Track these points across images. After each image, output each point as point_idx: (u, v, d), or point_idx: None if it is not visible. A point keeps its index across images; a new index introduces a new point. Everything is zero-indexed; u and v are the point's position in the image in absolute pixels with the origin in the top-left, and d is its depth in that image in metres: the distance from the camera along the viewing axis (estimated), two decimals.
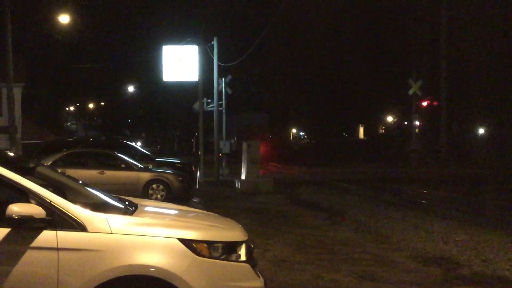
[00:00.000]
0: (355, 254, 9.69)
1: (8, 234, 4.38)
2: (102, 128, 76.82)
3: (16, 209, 4.31)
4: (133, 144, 27.25)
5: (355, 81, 63.38)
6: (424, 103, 40.93)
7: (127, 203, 5.44)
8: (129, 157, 18.49)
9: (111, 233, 4.49)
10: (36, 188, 4.54)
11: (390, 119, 73.92)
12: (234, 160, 32.81)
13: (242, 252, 4.84)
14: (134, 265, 4.44)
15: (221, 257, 4.69)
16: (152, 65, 45.08)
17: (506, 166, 34.55)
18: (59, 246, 4.39)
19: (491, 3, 45.38)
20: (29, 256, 4.38)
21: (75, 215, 4.49)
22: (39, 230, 4.39)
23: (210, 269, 4.59)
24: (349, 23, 58.75)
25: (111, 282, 4.40)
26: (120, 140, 32.45)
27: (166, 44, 30.22)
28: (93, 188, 5.62)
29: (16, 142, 22.99)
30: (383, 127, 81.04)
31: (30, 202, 4.45)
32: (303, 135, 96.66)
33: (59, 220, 4.45)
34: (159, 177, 17.43)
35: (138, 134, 76.87)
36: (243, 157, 22.04)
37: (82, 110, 75.32)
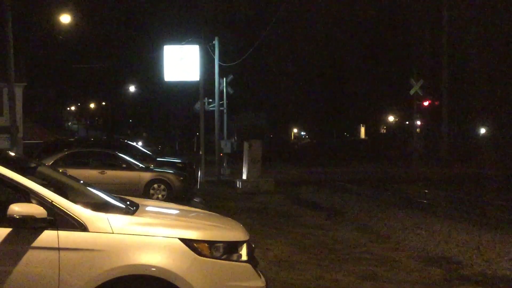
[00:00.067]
0: (356, 254, 9.69)
1: (9, 234, 4.38)
2: (103, 128, 76.83)
3: (17, 209, 4.31)
4: (134, 144, 27.25)
5: (356, 81, 63.39)
6: (425, 103, 40.89)
7: (128, 203, 5.44)
8: (130, 156, 18.49)
9: (112, 233, 4.49)
10: (37, 188, 4.54)
11: (391, 119, 73.90)
12: (233, 159, 32.81)
13: (244, 252, 4.84)
14: (136, 265, 4.44)
15: (223, 257, 4.69)
16: (153, 65, 45.12)
17: (507, 166, 34.52)
18: (60, 246, 4.39)
19: (492, 2, 45.36)
20: (30, 256, 4.38)
21: (76, 215, 4.49)
22: (40, 230, 4.39)
23: (211, 269, 4.59)
24: (350, 22, 58.79)
25: (112, 282, 4.40)
26: (121, 140, 32.43)
27: (167, 44, 30.21)
28: (94, 188, 5.63)
29: (17, 142, 23.00)
30: (384, 127, 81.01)
31: (31, 202, 4.45)
32: (304, 135, 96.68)
33: (60, 220, 4.45)
34: (160, 177, 17.43)
35: (139, 133, 76.89)
36: (244, 157, 22.03)
37: (83, 110, 75.34)
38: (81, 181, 5.84)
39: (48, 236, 4.40)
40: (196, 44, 28.27)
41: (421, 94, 39.10)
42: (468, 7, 45.83)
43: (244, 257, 4.83)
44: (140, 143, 44.13)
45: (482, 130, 55.51)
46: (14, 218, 4.30)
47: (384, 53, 60.02)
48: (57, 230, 4.42)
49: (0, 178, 4.55)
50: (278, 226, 12.73)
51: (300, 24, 60.01)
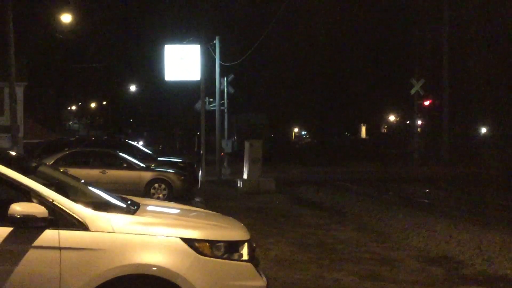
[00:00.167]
0: (357, 254, 9.68)
1: (11, 234, 4.39)
2: (104, 127, 76.84)
3: (19, 208, 4.31)
4: (134, 143, 27.26)
5: (357, 80, 63.35)
6: (426, 103, 40.89)
7: (129, 202, 5.44)
8: (131, 156, 18.50)
9: (113, 232, 4.49)
10: (38, 188, 4.54)
11: (392, 118, 73.90)
12: (233, 159, 32.80)
13: (245, 251, 4.84)
14: (137, 264, 4.44)
15: (224, 257, 4.69)
16: (154, 64, 45.17)
17: (508, 165, 34.50)
18: (61, 246, 4.39)
19: (493, 2, 45.34)
20: (31, 255, 4.38)
21: (77, 214, 4.49)
22: (41, 230, 4.40)
23: (212, 268, 4.59)
24: (351, 22, 58.73)
25: (113, 281, 4.40)
26: (122, 139, 32.45)
27: (168, 43, 30.21)
28: (95, 187, 5.63)
29: (18, 142, 23.01)
30: (385, 127, 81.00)
31: (32, 202, 4.46)
32: (305, 134, 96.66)
33: (61, 220, 4.45)
34: (161, 177, 17.43)
35: (140, 133, 76.89)
36: (245, 157, 22.02)
37: (84, 109, 75.33)
38: (82, 181, 5.84)
39: (49, 236, 4.40)
40: (197, 43, 28.26)
41: (422, 94, 39.09)
42: (469, 6, 45.82)
43: (245, 256, 4.83)
44: (140, 143, 44.15)
45: (483, 130, 55.50)
46: (15, 218, 4.30)
47: (385, 53, 60.01)
48: (58, 229, 4.43)
49: (1, 178, 4.55)
50: (278, 225, 12.73)
51: (301, 23, 60.02)
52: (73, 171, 12.64)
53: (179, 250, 4.54)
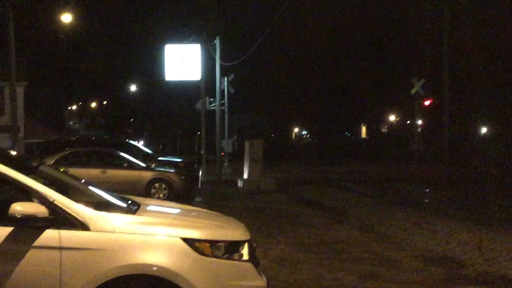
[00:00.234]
0: (358, 253, 9.69)
1: (11, 233, 4.38)
2: (104, 127, 76.83)
3: (19, 208, 4.31)
4: (135, 143, 27.26)
5: (358, 80, 63.32)
6: (427, 102, 40.90)
7: (129, 202, 5.44)
8: (132, 156, 18.50)
9: (114, 232, 4.49)
10: (38, 187, 4.54)
11: (392, 118, 73.86)
12: (233, 159, 32.81)
13: (245, 251, 4.84)
14: (137, 264, 4.44)
15: (224, 256, 4.69)
16: (155, 64, 45.14)
17: (508, 165, 34.50)
18: (62, 245, 4.39)
19: (493, 1, 45.33)
20: (32, 255, 4.38)
21: (78, 214, 4.49)
22: (42, 229, 4.39)
23: (212, 268, 4.59)
24: (351, 22, 58.71)
25: (113, 281, 4.40)
26: (122, 139, 32.45)
27: (169, 43, 30.24)
28: (95, 187, 5.63)
29: (18, 141, 23.03)
30: (386, 126, 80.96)
31: (33, 201, 4.46)
32: (305, 134, 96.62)
33: (62, 219, 4.45)
34: (161, 176, 17.44)
35: (141, 133, 76.86)
36: (245, 156, 22.04)
37: (84, 109, 75.30)
38: (83, 180, 5.84)
39: (49, 236, 4.40)
40: (198, 43, 28.29)
41: (422, 94, 39.08)
42: (470, 6, 45.80)
43: (246, 256, 4.82)
44: (141, 142, 44.14)
45: (483, 130, 55.48)
46: (16, 217, 4.30)
47: (386, 53, 60.00)
48: (59, 229, 4.42)
49: (2, 177, 4.55)
50: (279, 225, 12.73)
51: (301, 23, 59.99)
52: (73, 170, 12.62)
53: (180, 250, 4.54)
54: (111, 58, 63.10)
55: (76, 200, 4.65)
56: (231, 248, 4.76)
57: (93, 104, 75.52)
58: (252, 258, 4.92)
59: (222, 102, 29.74)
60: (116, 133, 66.28)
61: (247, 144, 21.97)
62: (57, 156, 17.36)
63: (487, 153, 43.46)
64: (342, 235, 11.52)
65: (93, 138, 32.02)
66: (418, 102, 39.80)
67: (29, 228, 4.36)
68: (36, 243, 4.38)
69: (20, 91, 31.86)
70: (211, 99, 29.65)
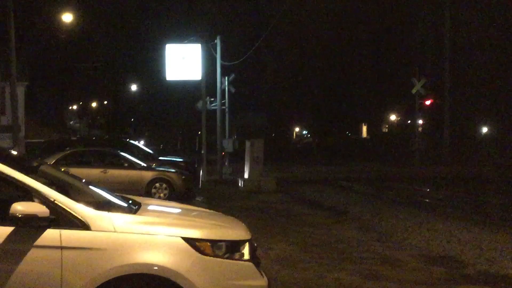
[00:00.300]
0: (358, 253, 9.68)
1: (12, 233, 4.38)
2: (105, 127, 76.86)
3: (20, 207, 4.31)
4: (136, 142, 27.26)
5: (359, 80, 63.35)
6: (427, 102, 40.88)
7: (130, 201, 5.44)
8: (132, 155, 18.51)
9: (115, 231, 4.49)
10: (39, 187, 4.54)
11: (393, 117, 73.88)
12: (233, 158, 32.80)
13: (246, 251, 4.83)
14: (138, 263, 4.44)
15: (225, 256, 4.68)
16: (155, 63, 45.14)
17: (509, 165, 34.50)
18: (62, 245, 4.39)
19: (494, 1, 45.32)
20: (32, 255, 4.38)
21: (78, 213, 4.49)
22: (42, 229, 4.39)
23: (213, 268, 4.59)
24: (352, 21, 58.72)
25: (114, 280, 4.40)
26: (123, 139, 32.44)
27: (169, 42, 30.23)
28: (96, 187, 5.63)
29: (19, 141, 23.01)
30: (386, 126, 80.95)
31: (33, 201, 4.45)
32: (306, 134, 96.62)
33: (63, 219, 4.45)
34: (162, 176, 17.44)
35: (141, 132, 76.90)
36: (246, 156, 22.03)
37: (85, 109, 75.35)
38: (83, 180, 5.84)
39: (50, 235, 4.40)
40: (198, 43, 28.27)
41: (423, 93, 39.06)
42: (471, 5, 45.79)
43: (247, 256, 4.82)
44: (142, 142, 44.14)
45: (484, 129, 55.47)
46: (17, 217, 4.30)
47: (386, 52, 59.98)
48: (60, 229, 4.42)
49: (2, 177, 4.55)
50: (280, 225, 12.73)
51: (302, 22, 59.98)
52: (74, 170, 12.63)
53: (181, 250, 4.54)
54: (111, 58, 63.17)
55: (77, 199, 4.65)
56: (232, 248, 4.75)
57: (94, 104, 75.58)
58: (253, 257, 4.92)
59: (222, 101, 29.72)
60: (116, 133, 66.29)
61: (247, 144, 21.96)
62: (58, 156, 17.36)
63: (488, 153, 43.47)
64: (343, 234, 11.52)
65: (94, 138, 32.05)
66: (419, 101, 39.78)
67: (30, 227, 4.36)
68: (37, 242, 4.38)
69: (20, 90, 31.89)
70: (212, 99, 29.64)
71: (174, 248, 4.53)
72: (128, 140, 29.66)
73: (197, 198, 18.09)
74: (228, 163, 30.77)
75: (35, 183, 4.56)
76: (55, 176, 5.54)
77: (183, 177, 17.77)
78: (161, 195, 17.04)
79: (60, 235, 4.41)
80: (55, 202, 4.48)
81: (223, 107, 30.05)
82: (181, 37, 32.00)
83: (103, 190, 5.55)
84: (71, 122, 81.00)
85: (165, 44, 29.94)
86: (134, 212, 4.99)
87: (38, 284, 4.38)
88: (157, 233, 4.57)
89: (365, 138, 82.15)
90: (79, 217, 4.47)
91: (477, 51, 47.08)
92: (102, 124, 79.21)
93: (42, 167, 5.63)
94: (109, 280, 4.39)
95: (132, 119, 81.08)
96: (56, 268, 4.37)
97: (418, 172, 32.39)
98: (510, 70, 44.90)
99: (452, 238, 10.79)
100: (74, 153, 17.97)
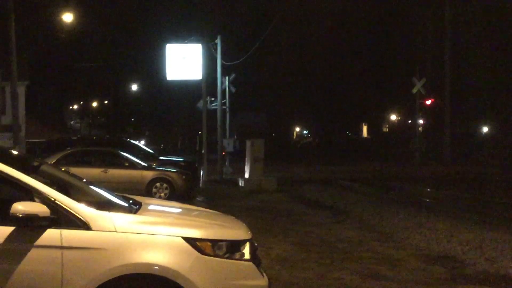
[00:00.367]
0: (359, 253, 9.68)
1: (13, 233, 4.39)
2: (105, 126, 76.88)
3: (21, 207, 4.32)
4: (136, 142, 27.27)
5: (359, 79, 63.28)
6: (428, 102, 40.88)
7: (131, 201, 5.44)
8: (133, 155, 18.51)
9: (115, 231, 4.49)
10: (40, 187, 4.54)
11: (393, 117, 73.83)
12: (234, 158, 32.80)
13: (246, 250, 4.84)
14: (138, 263, 4.44)
15: (225, 256, 4.69)
16: (156, 63, 45.15)
17: (509, 165, 34.49)
18: (63, 245, 4.40)
19: (495, 0, 45.30)
20: (33, 254, 4.38)
21: (79, 213, 4.49)
22: (43, 229, 4.40)
23: (214, 268, 4.59)
24: (353, 20, 58.67)
25: (115, 280, 4.41)
26: (124, 139, 32.44)
27: (170, 42, 30.23)
28: (97, 187, 5.63)
29: (20, 141, 23.03)
30: (387, 126, 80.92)
31: (34, 201, 4.46)
32: (306, 134, 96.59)
33: (64, 219, 4.45)
34: (162, 176, 17.45)
35: (142, 132, 76.91)
36: (246, 156, 22.03)
37: (85, 108, 75.36)
38: (84, 180, 5.85)
39: (51, 235, 4.40)
40: (199, 42, 28.27)
41: (424, 93, 39.05)
42: (471, 5, 45.77)
43: (247, 256, 4.83)
44: (142, 142, 44.16)
45: (485, 129, 55.43)
46: (17, 217, 4.31)
47: (387, 52, 59.93)
48: (60, 228, 4.43)
49: (3, 177, 4.56)
50: (280, 224, 12.74)
51: (302, 22, 59.96)
52: (74, 170, 12.63)
53: (181, 250, 4.54)
54: (112, 58, 63.14)
55: (77, 199, 4.66)
56: (233, 248, 4.76)
57: (94, 104, 75.56)
58: (254, 257, 4.93)
59: (223, 101, 29.71)
60: (117, 133, 66.30)
61: (248, 144, 21.96)
62: (59, 156, 17.36)
63: (489, 152, 43.44)
64: (343, 234, 11.52)
65: (94, 138, 32.05)
66: (419, 101, 39.78)
67: (30, 227, 4.37)
68: (38, 242, 4.39)
69: (21, 90, 31.89)
70: (212, 99, 29.63)
71: (175, 248, 4.54)
72: (128, 139, 29.66)
73: (198, 198, 18.11)
74: (229, 162, 30.78)
75: (35, 183, 4.56)
76: (56, 176, 5.54)
77: (184, 177, 17.78)
78: (162, 195, 17.06)
79: (61, 235, 4.41)
80: (56, 202, 4.48)
81: (224, 107, 30.05)
82: (182, 37, 31.99)
83: (104, 190, 5.56)
84: (72, 122, 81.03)
85: (166, 44, 29.94)
86: (135, 212, 4.99)
87: (38, 284, 4.39)
88: (157, 233, 4.58)
89: (365, 138, 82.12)
90: (80, 217, 4.48)
91: (478, 50, 47.05)
92: (102, 123, 79.24)
93: (43, 167, 5.63)
94: (109, 280, 4.39)
95: (133, 119, 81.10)
96: (57, 268, 4.38)
97: (418, 171, 32.39)
98: (511, 69, 44.86)
99: (452, 238, 10.79)
100: (74, 153, 17.97)
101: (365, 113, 73.78)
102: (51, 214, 4.39)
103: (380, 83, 61.05)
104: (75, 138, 28.73)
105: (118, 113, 74.53)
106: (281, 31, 54.36)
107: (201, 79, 28.00)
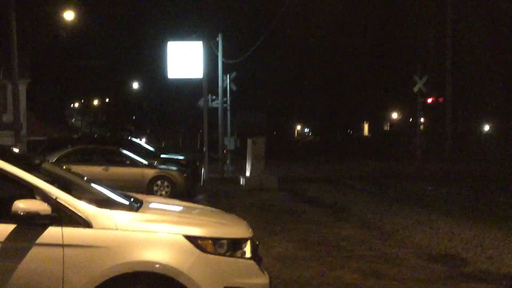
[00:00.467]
0: (360, 251, 9.68)
1: (14, 231, 4.39)
2: (106, 124, 76.92)
3: (22, 205, 4.32)
4: (137, 140, 27.28)
5: (360, 78, 63.27)
6: (429, 100, 40.84)
7: (132, 199, 5.44)
8: (134, 153, 18.51)
9: (116, 229, 4.49)
10: (41, 184, 4.55)
11: (395, 115, 73.80)
12: (235, 156, 32.79)
13: (247, 248, 4.84)
14: (140, 261, 4.44)
15: (226, 254, 4.69)
16: (157, 61, 45.14)
17: (511, 163, 34.45)
18: (64, 243, 4.40)
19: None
20: (34, 252, 4.38)
21: (80, 211, 4.49)
22: (44, 227, 4.40)
23: (215, 266, 4.59)
24: (354, 19, 58.66)
25: (116, 278, 4.41)
26: (125, 137, 32.46)
27: (171, 40, 30.22)
28: (98, 185, 5.63)
29: (21, 139, 23.03)
30: (388, 124, 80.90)
31: (35, 199, 4.46)
32: (308, 132, 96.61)
33: (65, 217, 4.45)
34: (163, 174, 17.45)
35: (143, 130, 76.94)
36: (247, 154, 22.02)
37: (86, 106, 75.39)
38: (85, 178, 5.85)
39: (52, 233, 4.41)
40: (200, 40, 28.26)
41: (425, 91, 39.01)
42: (473, 3, 45.73)
43: (248, 254, 4.83)
44: (143, 140, 44.17)
45: (486, 127, 55.41)
46: (19, 215, 4.31)
47: (388, 50, 59.89)
48: (61, 226, 4.43)
49: (4, 175, 4.56)
50: (282, 223, 12.73)
51: (304, 20, 59.94)
52: (76, 168, 12.67)
53: (182, 248, 4.54)
54: (113, 55, 63.19)
55: (78, 197, 4.66)
56: (234, 246, 4.76)
57: (95, 102, 75.59)
58: (255, 255, 4.93)
59: (224, 99, 29.71)
60: (118, 131, 66.33)
61: (249, 142, 21.94)
62: (60, 154, 17.38)
63: (490, 151, 43.42)
64: (344, 232, 11.52)
65: (95, 136, 32.06)
66: (420, 99, 39.74)
67: (31, 225, 4.37)
68: (39, 240, 4.39)
69: (22, 88, 31.90)
70: (213, 97, 29.63)
71: (176, 246, 4.54)
72: (129, 137, 29.68)
73: (199, 196, 18.10)
74: (230, 161, 30.78)
75: (37, 181, 4.56)
76: (57, 174, 5.55)
77: (185, 175, 17.78)
78: (163, 192, 17.06)
79: (62, 232, 4.41)
80: (57, 199, 4.48)
81: (225, 105, 30.04)
82: (183, 34, 31.99)
83: (105, 188, 5.55)
84: (73, 120, 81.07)
85: (167, 42, 29.93)
86: (136, 210, 4.99)
87: (39, 282, 4.39)
88: (158, 231, 4.58)
89: (367, 136, 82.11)
90: (81, 215, 4.48)
91: (479, 48, 47.01)
92: (103, 122, 79.28)
93: (44, 165, 5.64)
94: (111, 277, 4.40)
95: (134, 117, 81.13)
96: (58, 266, 4.38)
97: (419, 169, 32.36)
98: None
99: (453, 236, 10.79)
100: (75, 151, 17.99)
101: (366, 112, 73.80)
102: (52, 212, 4.39)
103: (382, 82, 61.03)
104: (76, 136, 28.76)
105: (119, 111, 74.57)
106: (282, 29, 54.34)
107: (202, 77, 28.00)
